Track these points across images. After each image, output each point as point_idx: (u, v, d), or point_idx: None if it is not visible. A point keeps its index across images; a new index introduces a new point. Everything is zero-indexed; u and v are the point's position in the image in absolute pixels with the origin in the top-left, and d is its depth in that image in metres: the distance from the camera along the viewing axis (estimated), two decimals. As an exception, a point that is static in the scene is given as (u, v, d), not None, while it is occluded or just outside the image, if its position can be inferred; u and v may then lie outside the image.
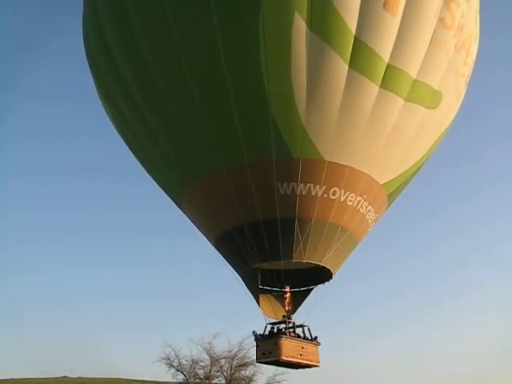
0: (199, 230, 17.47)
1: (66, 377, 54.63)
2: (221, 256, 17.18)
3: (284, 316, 16.41)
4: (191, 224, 17.99)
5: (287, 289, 16.84)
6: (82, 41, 18.45)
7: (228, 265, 17.11)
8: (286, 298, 16.78)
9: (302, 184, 15.05)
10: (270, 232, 15.33)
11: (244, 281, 16.46)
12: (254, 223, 15.39)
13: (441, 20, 15.70)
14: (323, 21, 14.03)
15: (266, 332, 16.14)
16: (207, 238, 17.25)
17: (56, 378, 52.85)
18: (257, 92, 14.26)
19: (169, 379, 40.61)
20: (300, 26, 13.96)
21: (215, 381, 39.16)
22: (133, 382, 51.40)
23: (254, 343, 16.29)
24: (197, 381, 38.63)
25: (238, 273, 16.65)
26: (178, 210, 18.12)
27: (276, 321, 16.31)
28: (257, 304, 16.06)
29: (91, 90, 18.65)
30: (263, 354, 15.69)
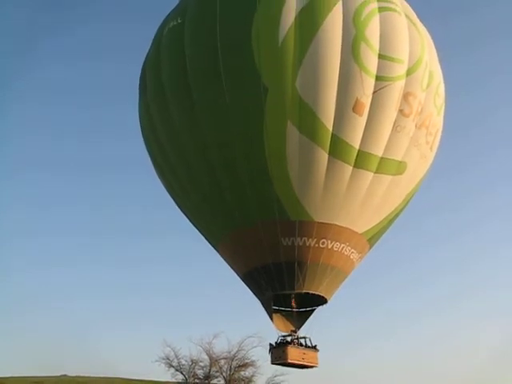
0: (232, 268, 23.74)
1: (65, 375, 54.46)
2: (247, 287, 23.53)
3: (292, 330, 22.36)
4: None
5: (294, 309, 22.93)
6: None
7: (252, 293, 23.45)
8: (293, 315, 22.85)
9: (299, 238, 20.95)
10: (277, 271, 21.36)
11: (262, 305, 22.67)
12: (266, 265, 21.50)
13: (400, 111, 20.58)
14: (308, 125, 19.71)
15: (278, 342, 22.29)
16: (237, 274, 23.52)
17: (55, 377, 52.84)
18: (263, 177, 20.32)
19: (168, 379, 40.80)
20: (292, 130, 19.77)
21: (214, 381, 39.36)
22: (132, 381, 51.24)
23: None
24: (196, 381, 38.71)
25: (258, 299, 22.88)
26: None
27: (285, 334, 22.33)
28: (271, 321, 22.30)
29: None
30: (275, 358, 21.92)
